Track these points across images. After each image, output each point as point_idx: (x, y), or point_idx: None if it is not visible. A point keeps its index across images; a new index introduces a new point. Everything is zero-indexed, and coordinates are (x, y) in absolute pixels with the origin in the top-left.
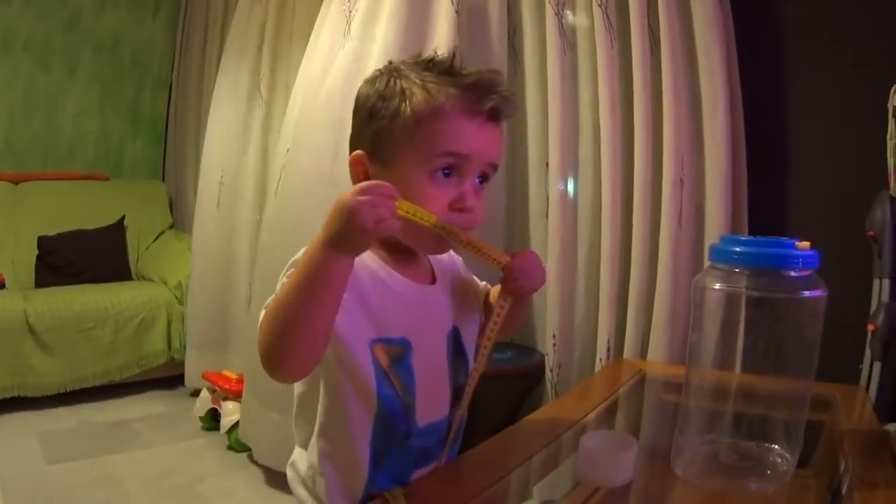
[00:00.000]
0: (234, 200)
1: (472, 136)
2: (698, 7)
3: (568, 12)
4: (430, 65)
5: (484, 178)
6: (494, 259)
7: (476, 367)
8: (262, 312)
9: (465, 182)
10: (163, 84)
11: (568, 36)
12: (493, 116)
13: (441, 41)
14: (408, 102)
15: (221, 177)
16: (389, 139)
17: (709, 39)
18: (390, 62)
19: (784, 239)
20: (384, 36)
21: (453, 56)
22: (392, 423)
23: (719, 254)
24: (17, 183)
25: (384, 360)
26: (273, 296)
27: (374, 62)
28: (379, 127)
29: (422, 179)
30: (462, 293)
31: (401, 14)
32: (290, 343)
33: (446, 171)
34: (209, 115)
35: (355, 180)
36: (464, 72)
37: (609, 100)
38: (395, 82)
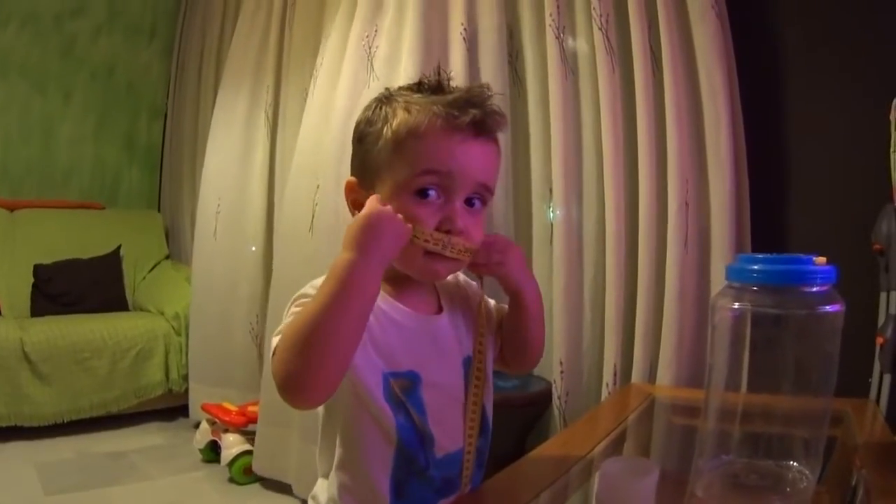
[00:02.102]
0: (233, 231)
1: (455, 153)
2: (699, 28)
3: (568, 36)
4: (419, 87)
5: (480, 200)
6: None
7: (476, 373)
8: (275, 340)
9: (453, 202)
10: (158, 112)
11: (569, 60)
12: (478, 132)
13: (457, 71)
14: (388, 126)
15: (218, 206)
16: (374, 164)
17: (710, 60)
18: (386, 89)
19: (801, 255)
20: (405, 71)
21: (438, 74)
22: (410, 453)
23: (736, 272)
24: (12, 210)
25: (399, 393)
26: (288, 322)
27: None
28: (364, 152)
29: (406, 201)
30: (473, 321)
31: (420, 48)
32: (318, 364)
33: (431, 192)
34: (207, 143)
35: (350, 208)
36: (451, 90)
37: (612, 123)
38: (381, 108)
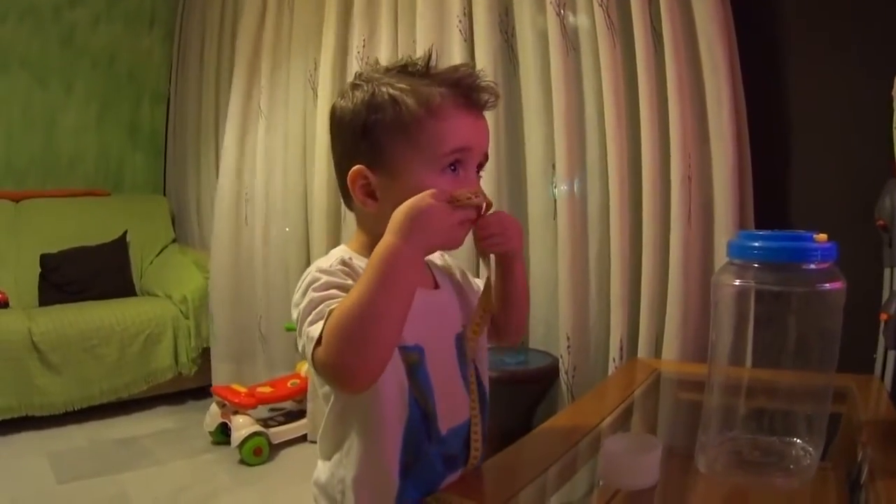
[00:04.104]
0: (266, 215)
1: (471, 130)
2: (699, 3)
3: (569, 13)
4: (406, 70)
5: (479, 167)
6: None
7: (471, 342)
8: (313, 329)
9: (469, 173)
10: (160, 97)
11: (570, 36)
12: (483, 110)
13: (455, 50)
14: (404, 108)
15: (247, 193)
16: (391, 147)
17: (711, 34)
18: (360, 74)
19: (802, 232)
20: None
21: (429, 58)
22: (416, 431)
23: (737, 249)
24: (17, 201)
25: (407, 367)
26: (335, 307)
27: None
28: (376, 139)
29: (434, 178)
30: (463, 296)
31: (425, 35)
32: (373, 348)
33: (453, 167)
34: (225, 131)
35: (358, 195)
36: (441, 71)
37: (614, 99)
38: (380, 91)
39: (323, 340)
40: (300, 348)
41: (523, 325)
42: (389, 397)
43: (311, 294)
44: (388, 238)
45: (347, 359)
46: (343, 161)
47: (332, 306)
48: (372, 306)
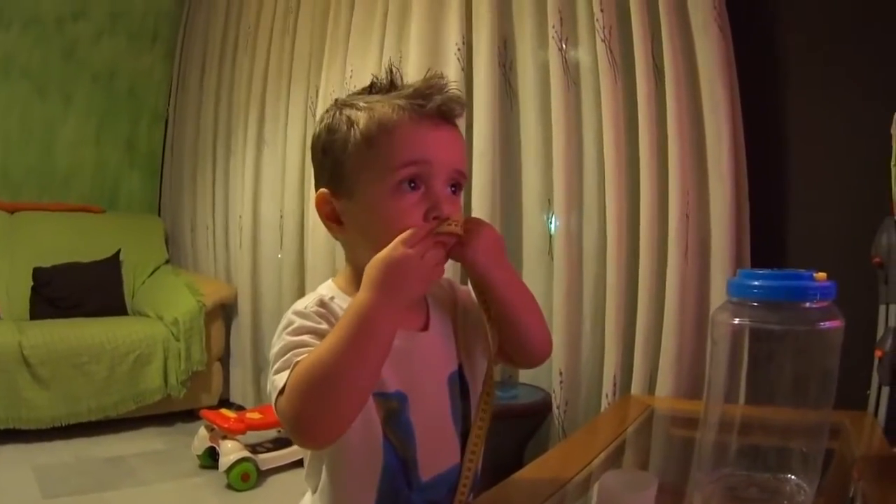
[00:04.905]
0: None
1: (427, 141)
2: (701, 41)
3: (571, 48)
4: (372, 89)
5: (457, 186)
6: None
7: (487, 390)
8: (278, 378)
9: (434, 190)
10: (159, 116)
11: (571, 71)
12: (444, 118)
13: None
14: (355, 128)
15: (281, 216)
16: (346, 169)
17: (712, 73)
18: (336, 99)
19: (801, 271)
20: None
21: (390, 72)
22: (393, 479)
23: (736, 288)
24: (12, 212)
25: (380, 416)
26: (302, 359)
27: None
28: (334, 161)
29: (388, 197)
30: (469, 324)
31: (422, 66)
32: (332, 410)
33: (412, 184)
34: (232, 154)
35: (323, 219)
36: (404, 85)
37: (614, 135)
38: (339, 114)
39: (286, 392)
40: (267, 391)
41: (537, 349)
42: (356, 446)
43: (285, 338)
44: (362, 295)
45: (308, 418)
46: (316, 188)
47: (301, 356)
48: (338, 369)
